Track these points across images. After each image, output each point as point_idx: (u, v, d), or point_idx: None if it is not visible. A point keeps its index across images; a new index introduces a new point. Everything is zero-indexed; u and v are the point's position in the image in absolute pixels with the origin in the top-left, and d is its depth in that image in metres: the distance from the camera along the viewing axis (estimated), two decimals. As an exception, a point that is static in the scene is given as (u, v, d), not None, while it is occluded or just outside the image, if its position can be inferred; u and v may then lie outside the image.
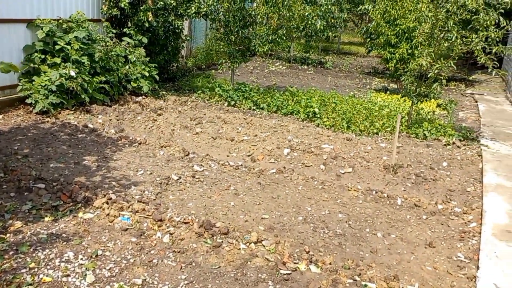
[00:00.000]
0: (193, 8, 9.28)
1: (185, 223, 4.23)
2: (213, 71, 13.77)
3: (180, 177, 5.38)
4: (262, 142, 6.75)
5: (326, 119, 8.84)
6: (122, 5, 8.58)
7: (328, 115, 8.97)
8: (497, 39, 7.71)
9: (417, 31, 9.03)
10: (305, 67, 17.12)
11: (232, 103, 9.50)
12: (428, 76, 8.42)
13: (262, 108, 9.47)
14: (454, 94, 13.83)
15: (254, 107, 9.54)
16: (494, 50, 7.58)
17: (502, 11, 7.77)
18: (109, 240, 3.92)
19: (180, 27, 9.34)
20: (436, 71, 8.21)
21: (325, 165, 6.21)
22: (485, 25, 7.86)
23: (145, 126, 7.18)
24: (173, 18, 9.19)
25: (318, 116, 9.04)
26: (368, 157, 6.53)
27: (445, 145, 7.92)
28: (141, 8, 8.64)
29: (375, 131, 8.54)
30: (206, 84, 10.92)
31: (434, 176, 5.99)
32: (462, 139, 8.41)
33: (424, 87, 8.67)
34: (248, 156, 6.40)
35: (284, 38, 10.14)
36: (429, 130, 8.57)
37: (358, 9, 16.01)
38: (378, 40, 12.81)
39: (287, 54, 18.41)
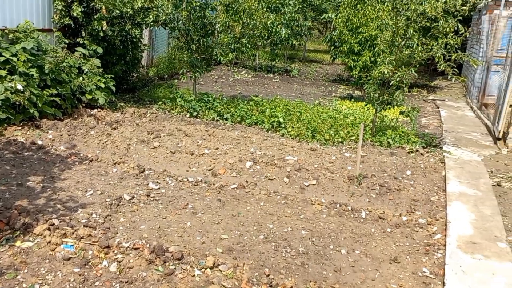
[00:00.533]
0: (151, 16, 8.95)
1: (135, 248, 3.91)
2: (176, 80, 13.43)
3: (133, 197, 5.04)
4: (224, 155, 6.48)
5: (291, 128, 8.67)
6: (75, 14, 8.17)
7: (293, 125, 8.80)
8: (456, 45, 7.75)
9: (379, 39, 9.02)
10: (271, 75, 17.01)
11: (194, 114, 9.20)
12: (391, 84, 8.39)
13: (226, 119, 9.22)
14: (417, 100, 14.00)
15: (218, 118, 9.27)
16: (453, 57, 7.61)
17: (461, 18, 7.83)
18: (49, 272, 3.55)
19: (138, 36, 8.99)
20: (398, 79, 8.19)
21: (289, 178, 6.00)
22: (444, 32, 7.90)
23: (98, 141, 6.78)
24: (130, 27, 8.83)
25: (283, 126, 8.85)
26: (332, 168, 6.36)
27: (408, 152, 7.87)
28: (95, 17, 8.25)
29: (340, 140, 8.42)
30: (168, 95, 10.59)
31: (398, 186, 5.88)
32: (425, 146, 8.41)
33: (387, 95, 8.63)
34: (209, 170, 6.12)
35: (249, 46, 9.90)
36: (393, 138, 8.52)
37: (322, 17, 16.09)
38: (341, 48, 12.81)
39: (252, 62, 18.27)
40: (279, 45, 17.49)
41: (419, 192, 5.82)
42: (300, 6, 18.55)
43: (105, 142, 6.74)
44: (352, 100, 12.68)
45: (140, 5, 8.71)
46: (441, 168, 6.93)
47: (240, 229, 4.56)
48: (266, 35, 16.45)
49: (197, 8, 9.05)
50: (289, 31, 16.74)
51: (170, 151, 6.53)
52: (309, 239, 4.49)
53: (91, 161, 6.04)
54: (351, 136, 8.53)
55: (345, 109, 11.27)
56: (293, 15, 16.79)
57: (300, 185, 5.87)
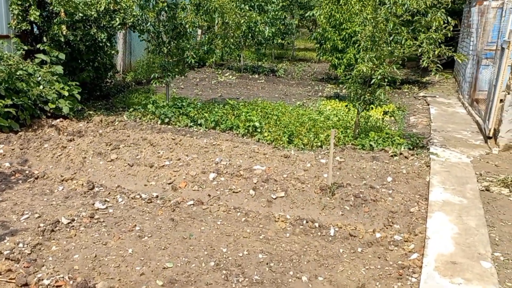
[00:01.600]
0: (117, 19, 8.41)
1: (57, 286, 3.37)
2: (154, 85, 12.89)
3: (73, 220, 4.50)
4: (186, 166, 5.94)
5: (267, 133, 8.13)
6: (32, 18, 7.62)
7: (270, 129, 8.27)
8: (439, 40, 7.23)
9: (359, 34, 8.49)
10: (256, 76, 16.47)
11: (166, 120, 8.65)
12: (372, 82, 7.86)
13: (200, 125, 8.68)
14: (407, 98, 13.46)
15: (191, 124, 8.73)
16: (436, 52, 7.08)
17: (443, 10, 7.30)
18: None
19: (104, 40, 8.45)
20: (379, 77, 7.67)
21: (255, 190, 5.46)
22: (427, 26, 7.38)
23: (52, 155, 6.24)
24: (95, 31, 8.29)
25: (259, 130, 8.32)
26: (304, 177, 5.82)
27: (392, 156, 7.33)
28: (55, 21, 7.71)
29: (319, 144, 7.89)
30: (143, 101, 10.04)
31: (375, 196, 5.33)
32: (412, 148, 7.88)
33: (368, 94, 8.09)
34: (169, 184, 5.58)
35: (222, 47, 9.35)
36: (376, 140, 7.98)
37: (306, 15, 15.55)
38: (325, 45, 12.28)
39: (237, 63, 17.72)
40: (264, 45, 16.95)
41: (398, 202, 5.28)
42: (287, 3, 18.02)
43: (59, 155, 6.20)
44: (338, 99, 12.14)
45: (104, 8, 8.16)
46: (426, 173, 6.39)
47: (188, 254, 4.02)
48: (250, 34, 15.98)
49: (166, 8, 8.50)
50: (273, 30, 16.18)
51: (128, 164, 5.98)
52: (267, 264, 3.94)
53: (36, 178, 5.50)
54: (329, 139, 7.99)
55: (329, 109, 10.74)
56: (277, 13, 16.24)
57: (267, 198, 5.33)
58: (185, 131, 8.24)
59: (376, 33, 7.80)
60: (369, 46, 8.10)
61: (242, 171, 5.81)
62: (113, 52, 9.72)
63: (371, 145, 7.84)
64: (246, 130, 8.38)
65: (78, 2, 7.99)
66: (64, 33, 7.58)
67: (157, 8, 8.23)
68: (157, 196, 5.19)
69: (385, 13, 7.50)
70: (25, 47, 8.00)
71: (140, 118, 8.84)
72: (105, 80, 10.68)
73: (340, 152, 7.40)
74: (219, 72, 16.59)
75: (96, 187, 5.34)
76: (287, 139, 8.00)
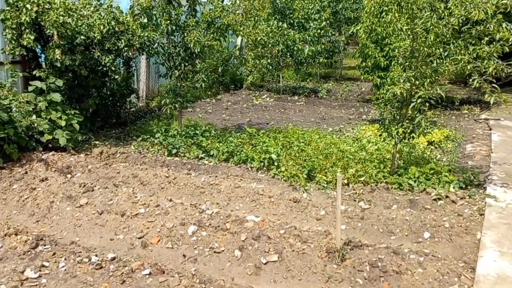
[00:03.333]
0: (122, 41, 7.66)
1: None
2: (166, 111, 12.11)
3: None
4: (164, 215, 4.87)
5: (284, 168, 6.92)
6: (25, 43, 7.05)
7: (289, 162, 7.05)
8: (496, 54, 5.73)
9: (396, 50, 7.13)
10: (296, 97, 15.28)
11: (174, 151, 7.70)
12: (410, 106, 6.45)
13: (213, 156, 7.64)
14: (466, 120, 11.64)
15: (203, 155, 7.71)
16: (490, 69, 5.57)
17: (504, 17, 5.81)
18: None
19: (108, 64, 7.71)
20: (419, 101, 6.25)
21: (242, 251, 4.27)
22: (478, 37, 5.92)
23: (19, 198, 5.45)
24: (98, 54, 7.60)
25: (276, 164, 7.13)
26: (307, 233, 4.54)
27: (435, 199, 5.83)
28: (50, 45, 7.09)
29: (345, 181, 6.54)
30: (162, 128, 9.17)
31: (398, 266, 3.94)
32: (464, 186, 6.32)
33: (407, 121, 6.66)
34: (139, 238, 4.55)
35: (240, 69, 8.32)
36: (417, 177, 6.48)
37: (350, 31, 14.22)
38: (365, 63, 10.90)
39: (277, 84, 16.65)
40: (305, 64, 15.76)
41: (431, 275, 3.85)
42: (332, 19, 16.76)
43: (26, 199, 5.40)
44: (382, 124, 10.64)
45: (108, 29, 7.45)
46: (477, 226, 4.87)
47: None
48: (288, 53, 14.90)
49: (173, 27, 7.63)
50: (313, 49, 14.97)
51: (97, 211, 5.04)
52: None
53: (-16, 230, 4.69)
54: (360, 176, 6.61)
55: (369, 136, 9.32)
56: (319, 31, 15.04)
57: (256, 262, 4.11)
58: (192, 164, 7.22)
59: (416, 47, 6.43)
60: (407, 63, 6.72)
61: (230, 223, 4.64)
62: (127, 75, 9.01)
63: (410, 184, 6.36)
64: (262, 163, 7.21)
65: (77, 24, 7.34)
66: (58, 57, 6.92)
67: (160, 28, 7.38)
68: (113, 259, 4.15)
69: (425, 23, 6.10)
70: (20, 74, 7.42)
71: (147, 149, 7.96)
72: (123, 106, 10.01)
73: (369, 194, 6.00)
74: (256, 94, 15.60)
75: (42, 245, 4.40)
76: (306, 175, 6.74)
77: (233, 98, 14.91)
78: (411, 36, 6.33)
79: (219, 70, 8.09)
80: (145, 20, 7.23)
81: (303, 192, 6.17)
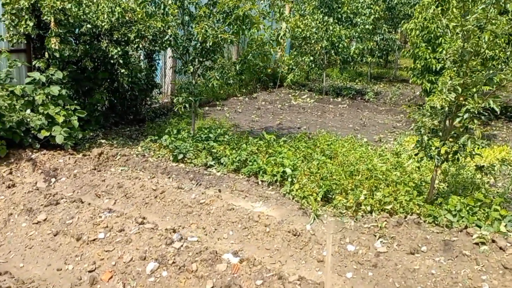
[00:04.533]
0: (133, 31, 6.95)
1: None
2: (207, 108, 11.35)
3: None
4: (125, 244, 4.06)
5: (298, 185, 5.90)
6: (22, 30, 6.51)
7: (305, 178, 6.02)
8: None
9: (444, 52, 5.87)
10: (339, 99, 14.07)
11: (180, 157, 6.90)
12: (455, 122, 5.21)
13: (223, 164, 6.78)
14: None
15: (212, 163, 6.87)
16: None
17: None
18: None
19: (116, 56, 7.02)
20: (466, 116, 5.01)
21: (206, 302, 3.36)
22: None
23: (-18, 206, 4.87)
24: (106, 44, 6.94)
25: (290, 180, 6.13)
26: (294, 286, 3.53)
27: (477, 243, 4.59)
28: (49, 33, 6.50)
29: (367, 208, 5.43)
30: (172, 129, 8.44)
31: None
32: None
33: (450, 139, 5.41)
34: (90, 272, 3.76)
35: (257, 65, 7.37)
36: (459, 210, 5.23)
37: (402, 29, 12.78)
38: (415, 64, 9.55)
39: (320, 84, 15.47)
40: (352, 63, 14.45)
41: None
42: (381, 15, 15.29)
43: (-11, 207, 4.80)
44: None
45: (117, 18, 6.75)
46: (531, 291, 3.64)
47: None
48: (333, 51, 13.69)
49: (187, 17, 6.79)
50: (360, 47, 13.65)
51: (52, 232, 4.31)
52: None
53: None
54: (388, 203, 5.46)
55: (411, 149, 8.04)
56: (368, 27, 13.69)
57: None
58: (196, 173, 6.39)
59: (466, 49, 5.18)
60: (455, 68, 5.47)
61: (199, 262, 3.73)
62: (151, 70, 8.34)
63: (448, 218, 5.14)
64: (274, 178, 6.24)
65: (84, 12, 6.71)
66: (55, 47, 6.31)
67: (170, 17, 6.55)
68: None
69: (479, 19, 4.84)
70: (19, 63, 6.90)
71: (154, 152, 7.23)
72: (143, 102, 9.38)
73: (394, 228, 4.86)
74: (296, 94, 14.53)
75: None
76: (323, 197, 5.70)
77: (270, 97, 13.95)
78: (459, 35, 5.08)
79: (237, 67, 7.14)
80: (152, 8, 6.46)
81: (314, 219, 5.14)
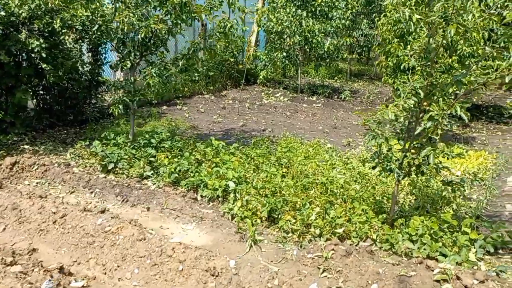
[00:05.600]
0: (58, 20, 6.03)
1: None
2: (165, 107, 10.44)
3: None
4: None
5: (241, 203, 5.06)
6: None
7: (250, 194, 5.19)
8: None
9: (408, 46, 5.06)
10: (314, 98, 13.23)
11: (110, 166, 6.01)
12: (416, 133, 4.41)
13: (160, 175, 5.91)
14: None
15: (150, 173, 6.01)
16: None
17: None
18: None
19: (38, 49, 6.07)
20: (429, 125, 4.22)
21: None
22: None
23: None
24: (25, 36, 6.02)
25: (233, 195, 5.29)
26: None
27: (437, 281, 3.80)
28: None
29: (316, 232, 4.61)
30: (109, 133, 7.47)
31: None
32: (494, 250, 4.31)
33: (412, 151, 4.61)
34: None
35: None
36: (420, 235, 4.43)
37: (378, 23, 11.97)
38: (386, 62, 8.74)
39: (295, 82, 14.62)
40: (327, 60, 13.62)
41: None
42: (362, 9, 14.48)
43: None
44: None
45: (36, 4, 5.83)
46: None
47: None
48: (306, 46, 12.85)
49: (118, 4, 5.86)
50: (335, 42, 12.83)
51: None
52: None
53: None
54: (339, 225, 4.64)
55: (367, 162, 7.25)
56: (344, 22, 12.85)
57: None
58: (124, 187, 5.52)
59: (433, 45, 4.39)
60: (419, 68, 4.68)
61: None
62: (97, 65, 7.41)
63: (407, 246, 4.33)
64: (214, 193, 5.40)
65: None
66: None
67: (95, 4, 5.63)
68: None
69: (446, 9, 4.02)
70: None
71: (83, 160, 6.33)
72: (87, 100, 8.47)
73: (342, 260, 4.05)
74: (269, 92, 13.67)
75: None
76: (267, 216, 4.88)
77: (241, 95, 13.07)
78: (423, 29, 4.29)
79: (180, 64, 6.25)
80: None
81: (250, 247, 4.33)
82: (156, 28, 5.58)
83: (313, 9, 13.02)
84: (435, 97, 4.37)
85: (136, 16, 5.47)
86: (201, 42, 6.23)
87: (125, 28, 5.40)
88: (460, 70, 5.08)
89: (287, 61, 13.27)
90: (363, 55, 18.45)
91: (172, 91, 11.14)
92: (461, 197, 5.71)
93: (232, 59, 13.32)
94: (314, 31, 12.24)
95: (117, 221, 4.27)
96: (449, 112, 4.12)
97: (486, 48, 4.08)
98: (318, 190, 5.35)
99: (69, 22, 6.09)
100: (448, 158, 4.96)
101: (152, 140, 6.60)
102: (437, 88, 4.36)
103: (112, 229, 4.11)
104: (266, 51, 13.79)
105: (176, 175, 5.79)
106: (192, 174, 5.79)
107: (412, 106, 4.19)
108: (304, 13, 12.49)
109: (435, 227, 4.42)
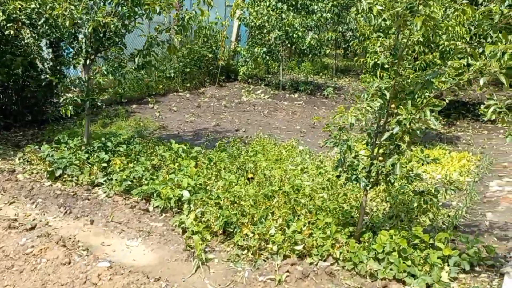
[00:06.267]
0: (0, 13, 5.49)
1: None
2: (135, 106, 9.92)
3: None
4: None
5: (194, 215, 4.58)
6: None
7: (204, 205, 4.72)
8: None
9: (378, 43, 4.60)
10: (296, 95, 12.75)
11: (58, 173, 5.50)
12: (382, 139, 3.96)
13: (113, 181, 5.42)
14: (501, 139, 8.80)
15: (102, 180, 5.51)
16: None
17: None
18: None
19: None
20: (396, 130, 3.76)
21: None
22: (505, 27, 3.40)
23: None
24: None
25: (187, 206, 4.82)
26: None
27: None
28: None
29: (273, 248, 4.14)
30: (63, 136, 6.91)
31: None
32: (470, 267, 3.89)
33: (380, 158, 4.15)
34: None
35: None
36: (388, 253, 3.98)
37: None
38: (364, 59, 8.27)
39: (278, 78, 14.12)
40: (310, 55, 13.12)
41: None
42: (345, 3, 13.98)
43: None
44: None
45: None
46: None
47: None
48: (287, 41, 12.35)
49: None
50: (317, 37, 12.35)
51: None
52: None
53: None
54: (299, 241, 4.18)
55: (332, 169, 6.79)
56: (324, 15, 12.36)
57: None
58: (69, 197, 5.03)
59: (401, 40, 3.96)
60: (386, 67, 4.23)
61: None
62: (59, 62, 6.88)
63: (371, 266, 3.88)
64: (168, 203, 4.92)
65: None
66: None
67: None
68: None
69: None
70: None
71: (31, 165, 5.83)
72: (47, 99, 7.94)
73: (297, 283, 3.59)
74: (250, 89, 13.16)
75: None
76: (222, 229, 4.41)
77: (219, 92, 12.57)
78: (387, 22, 3.83)
79: (136, 60, 5.74)
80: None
81: (199, 266, 3.86)
82: (104, 22, 5.05)
83: (294, 2, 12.53)
84: (405, 99, 3.92)
85: (80, 9, 4.94)
86: (158, 37, 5.71)
87: (67, 22, 4.87)
88: (442, 66, 4.65)
89: (268, 57, 12.76)
90: (350, 50, 17.97)
91: (144, 88, 10.60)
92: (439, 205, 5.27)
93: (210, 55, 12.78)
94: (294, 25, 11.74)
95: (43, 241, 3.78)
96: (418, 116, 3.67)
97: (458, 43, 3.63)
98: (281, 199, 4.89)
99: (14, 15, 5.55)
100: (423, 164, 4.53)
101: (109, 144, 6.10)
102: (407, 88, 3.91)
103: (35, 250, 3.62)
104: (247, 47, 13.28)
105: (129, 182, 5.30)
106: (146, 182, 5.31)
107: (376, 108, 3.73)
108: (285, 7, 11.99)
109: (404, 244, 3.96)
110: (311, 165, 6.40)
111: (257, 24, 11.87)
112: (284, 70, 15.40)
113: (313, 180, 5.62)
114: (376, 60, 6.28)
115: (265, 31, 12.10)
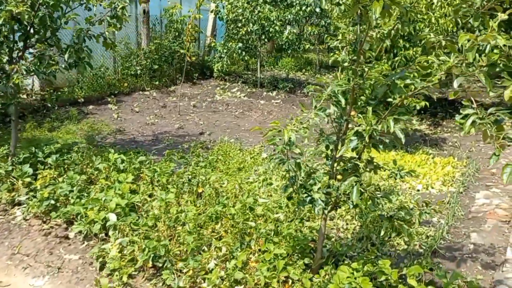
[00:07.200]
0: None
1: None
2: (92, 106, 9.04)
3: None
4: None
5: (117, 246, 3.77)
6: None
7: (131, 232, 3.92)
8: None
9: (340, 36, 3.83)
10: (275, 93, 11.93)
11: (-29, 191, 4.68)
12: (338, 155, 3.18)
13: (35, 201, 4.59)
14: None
15: (24, 198, 4.68)
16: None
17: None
18: None
19: None
20: (354, 143, 3.00)
21: None
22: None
23: None
24: None
25: (113, 233, 4.01)
26: None
27: None
28: None
29: (211, 285, 3.35)
30: (42, 135, 6.11)
31: None
32: None
33: (339, 176, 3.37)
34: None
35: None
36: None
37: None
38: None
39: (256, 75, 13.29)
40: (289, 51, 12.31)
41: None
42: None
43: None
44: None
45: None
46: None
47: None
48: (263, 36, 11.53)
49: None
50: (295, 31, 11.56)
51: None
52: None
53: None
54: (237, 283, 3.39)
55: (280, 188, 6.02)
56: (304, 8, 11.55)
57: None
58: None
59: (359, 32, 3.19)
60: (346, 64, 3.45)
61: None
62: None
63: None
64: (90, 228, 4.11)
65: None
66: None
67: None
68: None
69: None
70: None
71: None
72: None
73: None
74: (225, 87, 12.32)
75: None
76: (151, 263, 3.61)
77: (192, 90, 11.73)
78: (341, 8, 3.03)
79: (66, 57, 4.91)
80: None
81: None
82: (17, 11, 4.22)
83: (271, -6, 11.71)
84: (366, 106, 3.15)
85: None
86: (90, 29, 4.88)
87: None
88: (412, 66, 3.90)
89: (244, 53, 11.94)
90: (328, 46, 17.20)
91: (105, 87, 9.73)
92: (416, 224, 4.51)
93: (183, 51, 11.93)
94: (271, 18, 10.93)
95: None
96: (380, 128, 2.89)
97: (432, 35, 2.86)
98: (228, 223, 4.10)
99: None
100: (396, 179, 3.76)
101: (39, 154, 5.27)
102: (368, 92, 3.15)
103: None
104: (222, 42, 12.45)
105: (52, 202, 4.48)
106: (72, 201, 4.49)
107: (333, 117, 2.96)
108: (261, -1, 11.18)
109: (366, 286, 3.19)
110: (276, 175, 5.63)
111: (231, 17, 11.06)
112: (264, 66, 14.63)
113: (271, 195, 4.83)
114: (336, 57, 5.49)
115: (239, 25, 11.28)
